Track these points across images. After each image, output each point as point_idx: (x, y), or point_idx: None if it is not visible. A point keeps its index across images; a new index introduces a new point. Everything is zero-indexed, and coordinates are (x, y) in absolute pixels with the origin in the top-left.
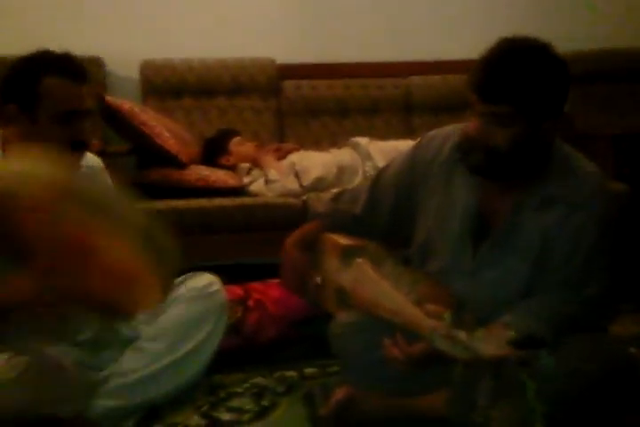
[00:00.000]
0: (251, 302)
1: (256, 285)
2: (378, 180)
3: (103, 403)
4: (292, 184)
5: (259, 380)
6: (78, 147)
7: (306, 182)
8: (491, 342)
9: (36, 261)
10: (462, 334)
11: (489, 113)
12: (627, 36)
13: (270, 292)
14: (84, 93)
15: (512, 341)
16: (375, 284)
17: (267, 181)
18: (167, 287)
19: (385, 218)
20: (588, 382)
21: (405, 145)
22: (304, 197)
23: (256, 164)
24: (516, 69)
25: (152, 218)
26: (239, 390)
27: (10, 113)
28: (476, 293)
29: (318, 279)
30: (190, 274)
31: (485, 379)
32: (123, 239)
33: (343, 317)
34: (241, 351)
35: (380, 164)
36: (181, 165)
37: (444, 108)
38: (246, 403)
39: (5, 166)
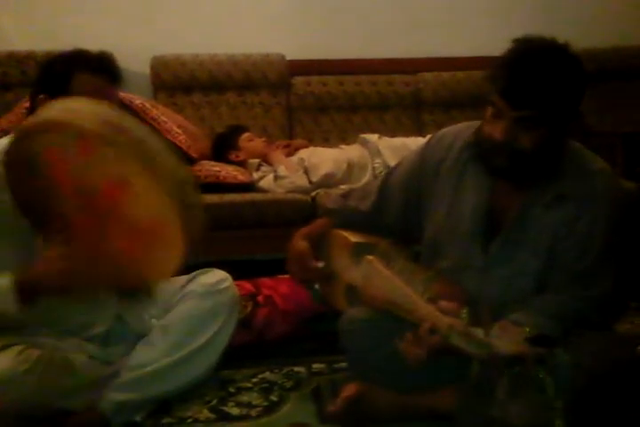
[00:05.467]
0: (260, 298)
1: (266, 280)
2: (388, 178)
3: (113, 397)
4: (302, 180)
5: (267, 375)
6: None
7: (315, 178)
8: (507, 339)
9: (62, 216)
10: (479, 332)
11: (516, 118)
12: (638, 33)
13: (280, 288)
14: (115, 94)
15: (527, 338)
16: (387, 281)
17: (276, 177)
18: (189, 250)
19: (394, 215)
20: (595, 381)
21: (415, 142)
22: (313, 194)
23: (265, 160)
24: (542, 75)
25: (187, 173)
26: (248, 385)
27: (40, 103)
28: (486, 290)
29: (320, 264)
30: (201, 270)
31: (502, 375)
32: (157, 190)
33: (352, 313)
34: (250, 346)
35: (390, 160)
36: (191, 161)
37: (454, 105)
38: (255, 398)
39: (64, 103)
